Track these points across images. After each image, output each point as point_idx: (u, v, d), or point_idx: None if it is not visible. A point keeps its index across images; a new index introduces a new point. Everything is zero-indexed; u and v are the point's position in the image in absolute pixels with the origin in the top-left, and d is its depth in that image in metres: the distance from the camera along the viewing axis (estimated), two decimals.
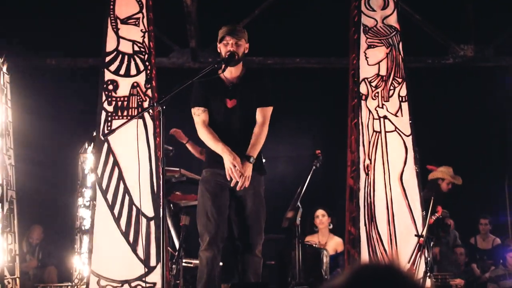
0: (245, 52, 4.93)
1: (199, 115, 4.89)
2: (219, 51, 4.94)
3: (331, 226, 7.57)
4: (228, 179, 4.73)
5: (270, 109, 4.94)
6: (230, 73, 4.90)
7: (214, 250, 4.74)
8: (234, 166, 4.67)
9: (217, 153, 4.80)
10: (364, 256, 6.17)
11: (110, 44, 6.50)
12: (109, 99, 6.36)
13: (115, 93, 6.37)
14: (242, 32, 4.92)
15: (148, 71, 6.42)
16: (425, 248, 5.97)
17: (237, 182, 4.73)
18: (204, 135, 4.85)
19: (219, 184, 4.82)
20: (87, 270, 6.18)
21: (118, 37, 6.50)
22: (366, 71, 6.63)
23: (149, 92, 6.37)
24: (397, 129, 6.50)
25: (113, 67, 6.44)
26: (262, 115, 4.90)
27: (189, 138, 6.82)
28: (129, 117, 6.20)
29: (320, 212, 7.56)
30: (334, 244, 7.34)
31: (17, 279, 6.59)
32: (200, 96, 4.89)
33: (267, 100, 4.93)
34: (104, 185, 6.19)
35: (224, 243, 4.88)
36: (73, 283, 7.88)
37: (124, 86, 6.40)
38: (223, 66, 4.81)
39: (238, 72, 4.94)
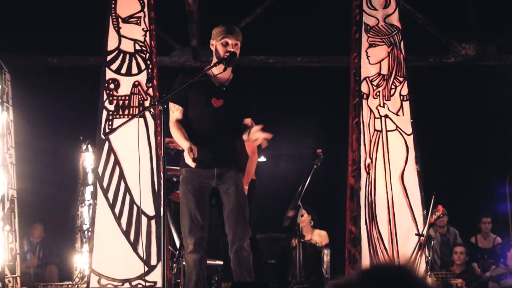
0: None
1: (173, 112, 4.86)
2: (213, 49, 4.91)
3: (312, 223, 7.56)
4: (193, 165, 4.66)
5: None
6: (221, 73, 4.89)
7: (200, 252, 4.74)
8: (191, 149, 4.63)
9: (198, 152, 4.77)
10: (365, 255, 6.17)
11: (112, 43, 6.50)
12: (110, 98, 6.36)
13: (116, 92, 6.38)
14: (240, 34, 4.92)
15: (150, 70, 6.42)
16: (425, 247, 5.96)
17: (219, 181, 4.76)
18: (175, 130, 4.76)
19: (202, 185, 4.81)
20: (88, 268, 6.18)
21: (120, 36, 6.50)
22: (367, 70, 6.63)
23: (150, 91, 6.38)
24: (398, 128, 6.49)
25: (114, 66, 6.44)
26: (250, 124, 4.99)
27: None
28: (130, 116, 6.20)
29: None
30: (318, 238, 7.33)
31: (18, 278, 6.59)
32: (180, 94, 4.84)
33: (253, 112, 5.03)
34: (105, 184, 6.19)
35: (215, 242, 4.88)
36: (74, 282, 7.89)
37: (125, 85, 6.40)
38: (222, 66, 4.80)
39: (228, 74, 4.94)
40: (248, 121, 5.00)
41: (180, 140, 4.78)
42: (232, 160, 4.86)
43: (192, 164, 4.59)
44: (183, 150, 6.71)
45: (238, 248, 4.78)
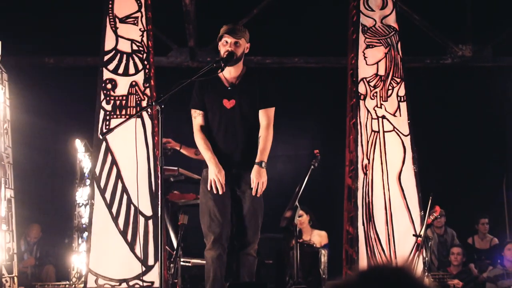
0: (245, 51, 4.89)
1: (195, 117, 4.89)
2: (219, 49, 4.92)
3: (311, 223, 7.57)
4: (208, 189, 4.73)
5: (272, 110, 4.89)
6: (229, 73, 4.87)
7: (219, 249, 4.73)
8: (218, 180, 4.69)
9: (216, 154, 4.79)
10: (362, 256, 6.17)
11: (109, 43, 6.50)
12: (108, 98, 6.36)
13: (114, 92, 6.38)
14: (242, 32, 4.86)
15: (147, 70, 6.42)
16: (423, 247, 5.97)
17: (237, 183, 4.76)
18: (198, 140, 4.85)
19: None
20: (85, 268, 6.18)
21: (117, 36, 6.50)
22: (364, 71, 6.63)
23: (147, 91, 6.37)
24: (395, 129, 6.50)
25: (111, 66, 6.44)
26: (266, 116, 4.85)
27: (181, 143, 6.82)
28: (127, 116, 6.20)
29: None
30: (318, 238, 7.33)
31: (15, 278, 6.58)
32: (197, 98, 4.88)
33: (269, 101, 4.88)
34: (102, 184, 6.19)
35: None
36: (71, 282, 7.88)
37: (123, 85, 6.40)
38: (221, 65, 4.79)
39: (238, 72, 4.90)
40: (263, 114, 4.85)
41: (205, 155, 4.81)
42: (249, 161, 4.80)
43: (213, 189, 4.69)
44: (178, 151, 6.73)
45: (245, 252, 4.79)
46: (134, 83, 6.39)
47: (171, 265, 5.82)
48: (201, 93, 4.86)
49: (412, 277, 1.72)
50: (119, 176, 6.19)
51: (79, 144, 8.35)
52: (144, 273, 5.96)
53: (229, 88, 4.86)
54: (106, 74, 6.43)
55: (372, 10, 6.76)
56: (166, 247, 6.23)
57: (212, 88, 4.84)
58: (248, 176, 4.77)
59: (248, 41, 4.88)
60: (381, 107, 6.53)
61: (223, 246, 4.75)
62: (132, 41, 6.49)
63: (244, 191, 4.80)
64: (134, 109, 6.31)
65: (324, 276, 6.44)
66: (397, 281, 1.70)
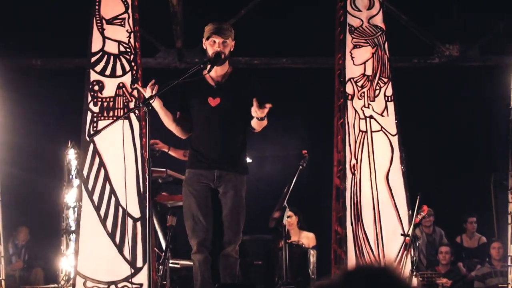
0: (231, 50, 4.90)
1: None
2: (204, 47, 4.90)
3: (299, 225, 7.58)
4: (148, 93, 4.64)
5: None
6: (215, 71, 4.86)
7: (204, 252, 4.75)
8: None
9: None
10: (351, 255, 6.18)
11: (96, 45, 6.47)
12: (95, 100, 6.34)
13: (101, 94, 6.35)
14: (229, 31, 4.85)
15: (134, 72, 6.40)
16: (411, 247, 5.99)
17: (219, 183, 4.76)
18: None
19: (203, 185, 4.80)
20: (73, 271, 6.16)
21: (104, 38, 6.47)
22: (352, 71, 6.64)
23: (135, 92, 6.35)
24: (383, 129, 6.51)
25: (98, 68, 6.41)
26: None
27: (169, 145, 6.81)
28: (115, 118, 6.18)
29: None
30: (306, 240, 7.34)
31: (3, 281, 6.55)
32: (180, 100, 4.91)
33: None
34: (90, 186, 6.16)
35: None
36: (59, 285, 7.85)
37: (110, 87, 6.37)
38: (208, 66, 4.79)
39: (224, 71, 4.90)
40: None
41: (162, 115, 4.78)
42: (233, 161, 4.82)
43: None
44: (166, 153, 6.72)
45: (226, 253, 4.79)
46: (121, 84, 6.37)
47: (160, 267, 5.82)
48: (183, 97, 4.90)
49: (396, 277, 1.73)
50: (107, 178, 6.16)
51: (70, 147, 8.32)
52: (132, 275, 5.94)
53: (214, 86, 4.85)
54: (93, 76, 6.40)
55: (359, 10, 6.77)
56: (155, 249, 6.22)
57: (197, 87, 4.83)
58: (230, 176, 4.78)
59: (233, 39, 4.88)
60: (368, 107, 6.55)
61: (208, 249, 4.77)
62: (119, 42, 6.46)
63: (226, 192, 4.79)
64: (122, 110, 6.29)
65: (313, 276, 6.45)
66: (382, 281, 1.71)
